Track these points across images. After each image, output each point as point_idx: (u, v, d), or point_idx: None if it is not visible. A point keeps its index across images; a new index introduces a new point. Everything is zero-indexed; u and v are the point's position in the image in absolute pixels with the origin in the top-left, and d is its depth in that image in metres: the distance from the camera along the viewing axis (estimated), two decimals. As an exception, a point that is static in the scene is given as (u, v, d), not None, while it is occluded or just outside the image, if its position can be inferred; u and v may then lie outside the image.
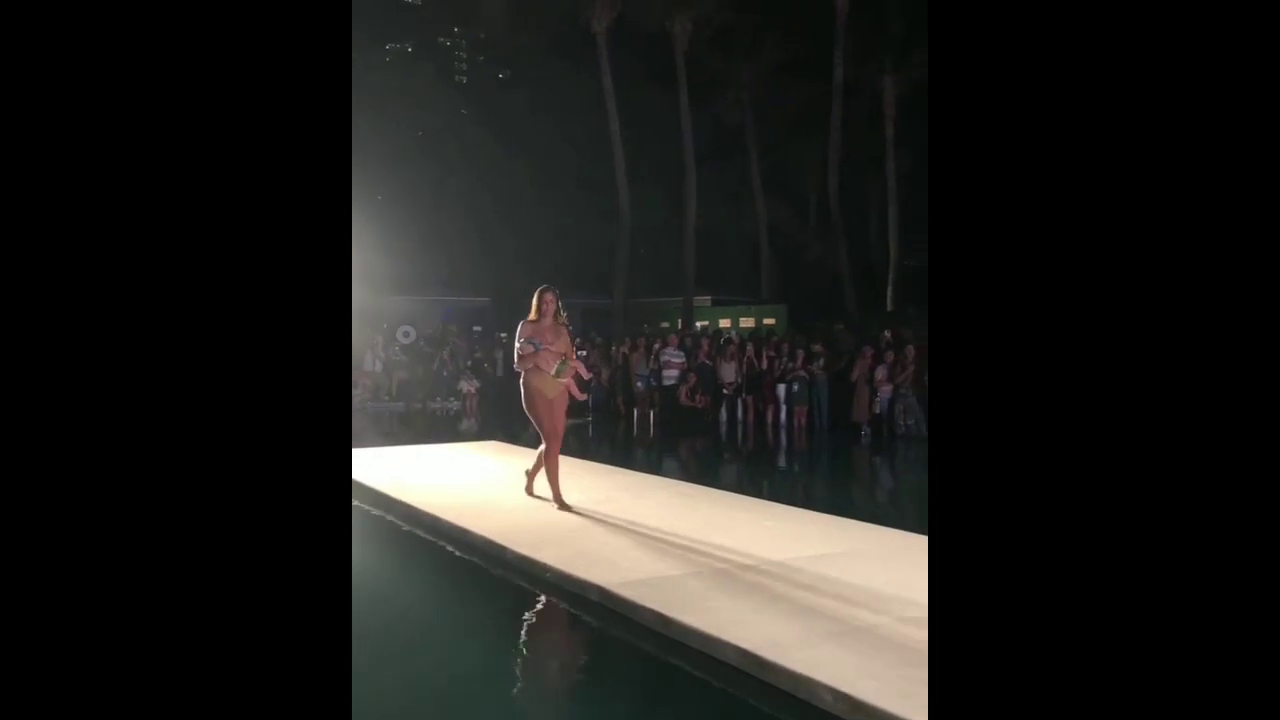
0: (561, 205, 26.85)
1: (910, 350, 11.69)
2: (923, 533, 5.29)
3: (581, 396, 6.50)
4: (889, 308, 21.10)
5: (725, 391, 13.95)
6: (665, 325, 20.68)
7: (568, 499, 6.01)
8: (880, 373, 11.93)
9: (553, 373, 5.90)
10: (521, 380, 6.08)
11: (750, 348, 14.16)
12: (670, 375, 14.22)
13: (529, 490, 6.38)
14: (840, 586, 3.99)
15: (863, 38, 21.20)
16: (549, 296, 6.10)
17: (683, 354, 14.50)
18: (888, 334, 12.95)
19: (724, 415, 13.80)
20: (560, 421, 6.07)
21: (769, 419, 13.21)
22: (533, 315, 6.08)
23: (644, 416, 14.17)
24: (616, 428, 13.56)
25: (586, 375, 6.30)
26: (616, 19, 21.58)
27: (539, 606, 4.27)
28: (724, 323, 20.27)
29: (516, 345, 6.07)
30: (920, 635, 3.32)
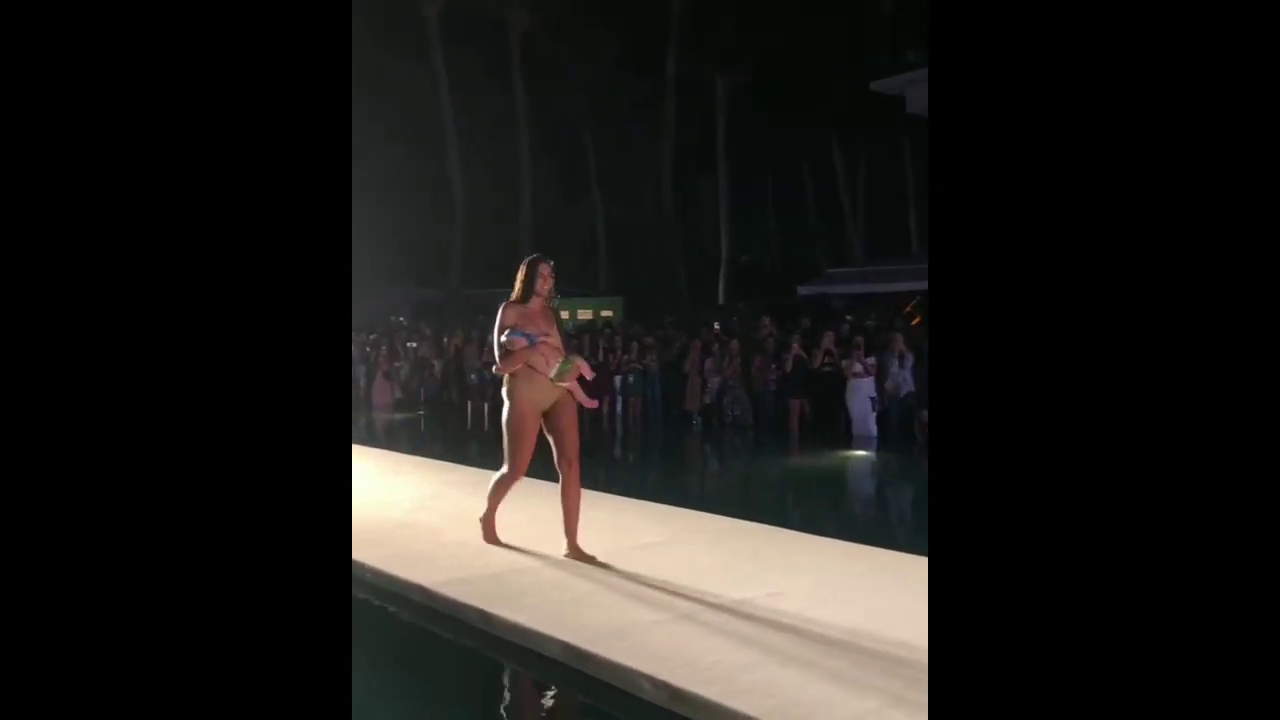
0: (388, 192, 26.01)
1: (734, 344, 12.05)
2: (747, 518, 5.48)
3: (593, 404, 4.79)
4: (720, 301, 21.69)
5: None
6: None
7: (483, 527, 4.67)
8: (709, 364, 12.25)
9: (551, 375, 4.29)
10: (505, 388, 4.40)
11: (587, 340, 14.20)
12: (504, 368, 14.02)
13: (574, 550, 4.39)
14: (665, 575, 4.06)
15: (696, 35, 21.66)
16: (545, 269, 4.43)
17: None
18: (716, 326, 13.29)
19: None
20: (572, 440, 4.41)
21: (604, 410, 13.30)
22: (517, 294, 4.44)
23: (478, 410, 13.96)
24: (449, 422, 13.29)
25: (590, 375, 4.53)
26: (448, 3, 21.09)
27: (357, 607, 4.11)
28: (562, 315, 20.25)
29: (497, 338, 4.36)
30: (739, 622, 3.43)
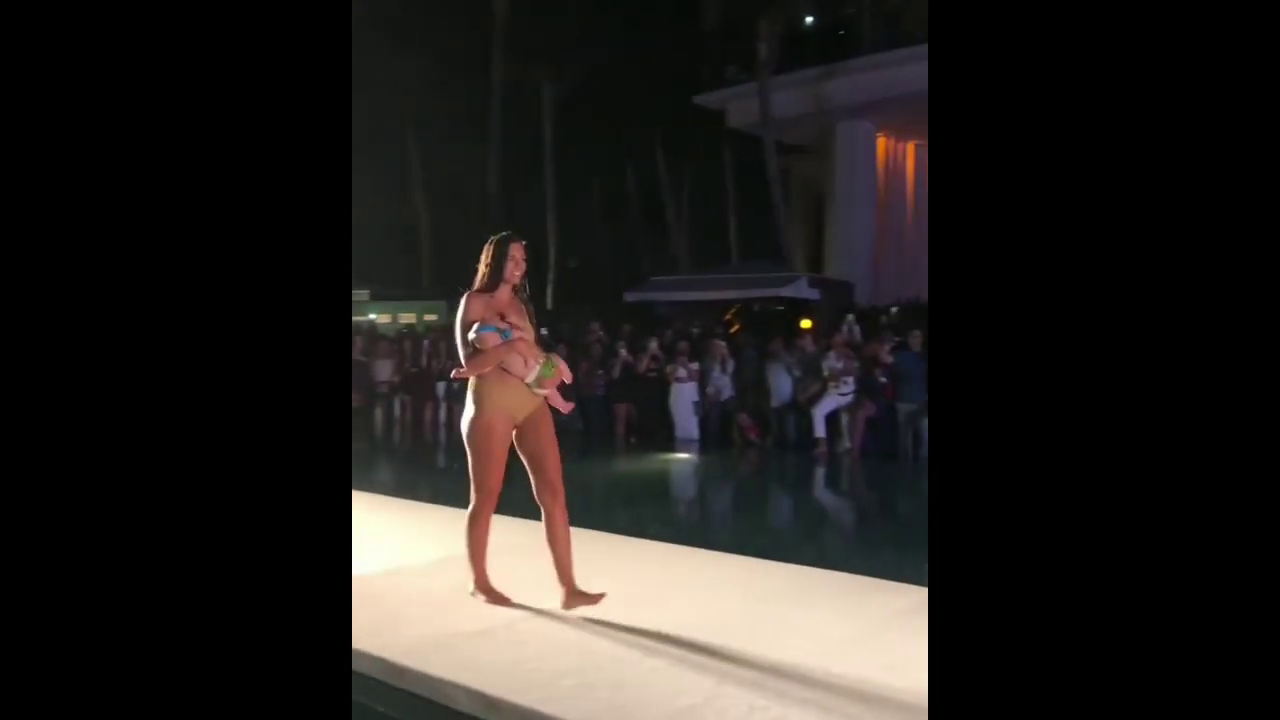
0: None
1: (561, 349, 12.04)
2: (571, 523, 5.44)
3: (568, 408, 3.79)
4: (549, 306, 21.66)
5: (380, 390, 13.45)
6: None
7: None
8: (537, 369, 12.18)
9: (529, 379, 3.51)
10: (471, 392, 3.57)
11: (409, 344, 13.78)
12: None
13: (574, 595, 3.60)
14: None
15: (522, 39, 21.55)
16: (516, 250, 3.57)
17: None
18: (545, 331, 13.24)
19: (379, 415, 13.30)
20: (553, 461, 3.62)
21: (427, 417, 12.94)
22: (482, 281, 3.56)
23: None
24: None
25: (569, 378, 3.72)
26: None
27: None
28: (383, 318, 19.60)
29: (461, 335, 3.52)
30: (559, 628, 3.40)
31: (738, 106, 16.68)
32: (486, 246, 3.61)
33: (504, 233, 3.67)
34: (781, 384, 10.26)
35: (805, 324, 12.99)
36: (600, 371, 11.60)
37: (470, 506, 3.68)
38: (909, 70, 14.46)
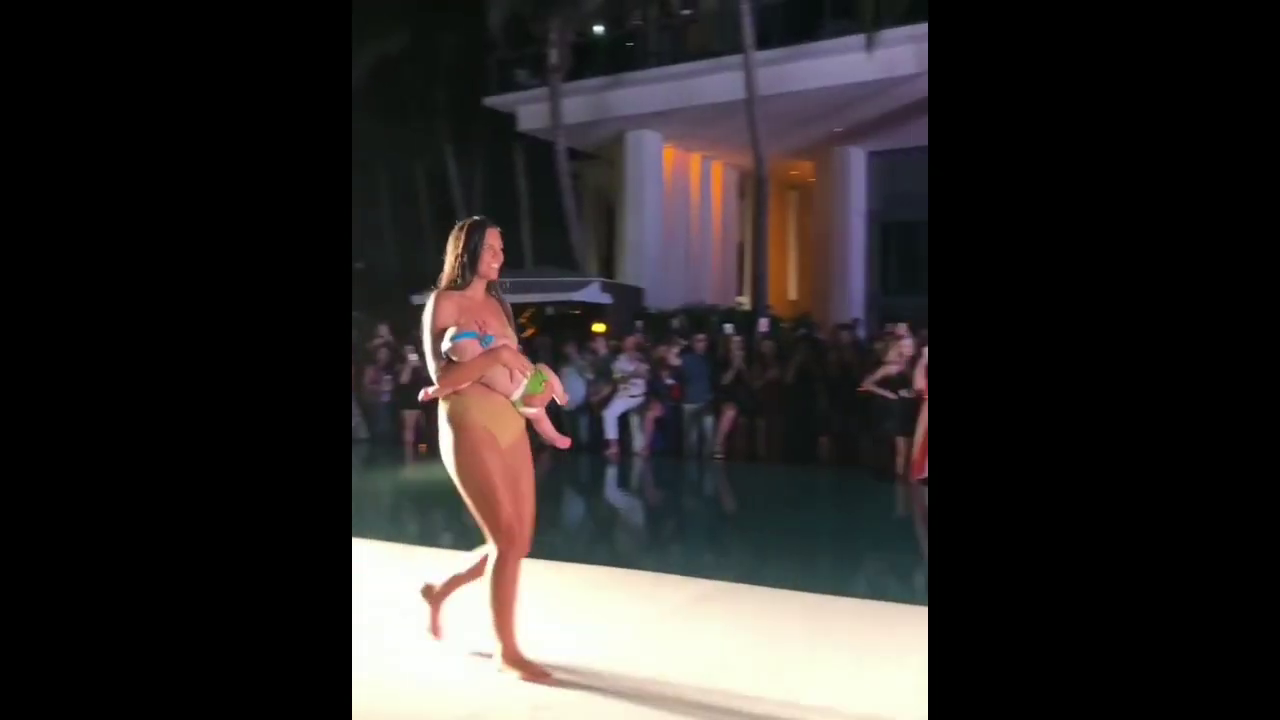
0: None
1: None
2: (366, 535, 5.25)
3: (565, 443, 3.23)
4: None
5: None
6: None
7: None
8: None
9: (515, 396, 2.90)
10: (447, 415, 2.89)
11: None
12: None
13: (434, 625, 3.19)
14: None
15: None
16: (494, 239, 2.91)
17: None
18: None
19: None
20: (528, 497, 2.95)
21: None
22: (452, 275, 2.90)
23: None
24: None
25: (564, 399, 3.09)
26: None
27: None
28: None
29: (431, 344, 2.87)
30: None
31: (528, 110, 16.70)
32: (455, 234, 2.91)
33: (476, 217, 2.98)
34: (574, 387, 10.40)
35: (598, 328, 13.22)
36: (388, 377, 11.25)
37: (490, 558, 2.88)
38: (694, 84, 15.06)
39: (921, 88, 13.64)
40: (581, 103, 16.05)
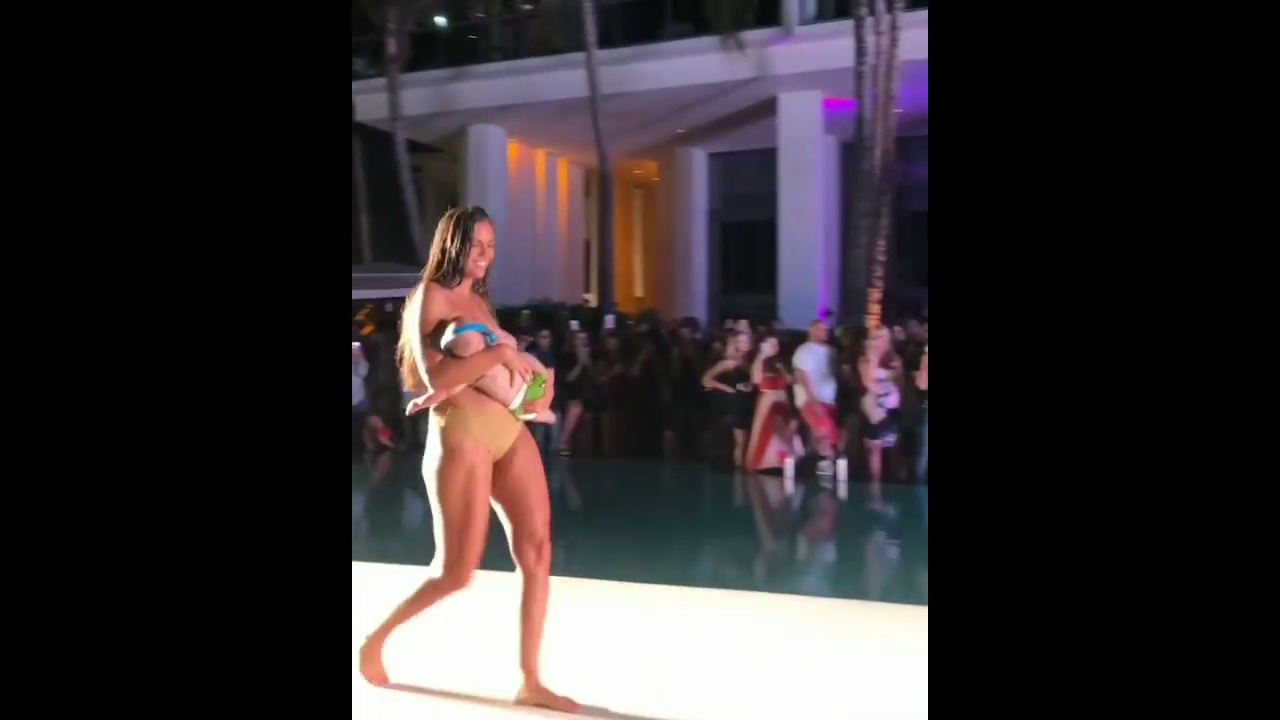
0: None
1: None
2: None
3: (551, 418, 3.16)
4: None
5: None
6: None
7: None
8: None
9: (514, 404, 2.64)
10: (438, 426, 2.60)
11: None
12: None
13: (534, 690, 2.65)
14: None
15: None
16: (485, 231, 2.64)
17: None
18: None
19: None
20: (541, 504, 2.67)
21: None
22: (434, 268, 2.63)
23: None
24: None
25: (550, 399, 2.82)
26: None
27: None
28: None
29: (422, 344, 2.57)
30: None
31: (365, 100, 16.13)
32: (444, 224, 2.66)
33: (470, 207, 2.70)
34: (415, 385, 10.13)
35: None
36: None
37: (430, 575, 2.66)
38: (537, 79, 14.97)
39: (759, 91, 14.13)
40: (422, 94, 15.66)
